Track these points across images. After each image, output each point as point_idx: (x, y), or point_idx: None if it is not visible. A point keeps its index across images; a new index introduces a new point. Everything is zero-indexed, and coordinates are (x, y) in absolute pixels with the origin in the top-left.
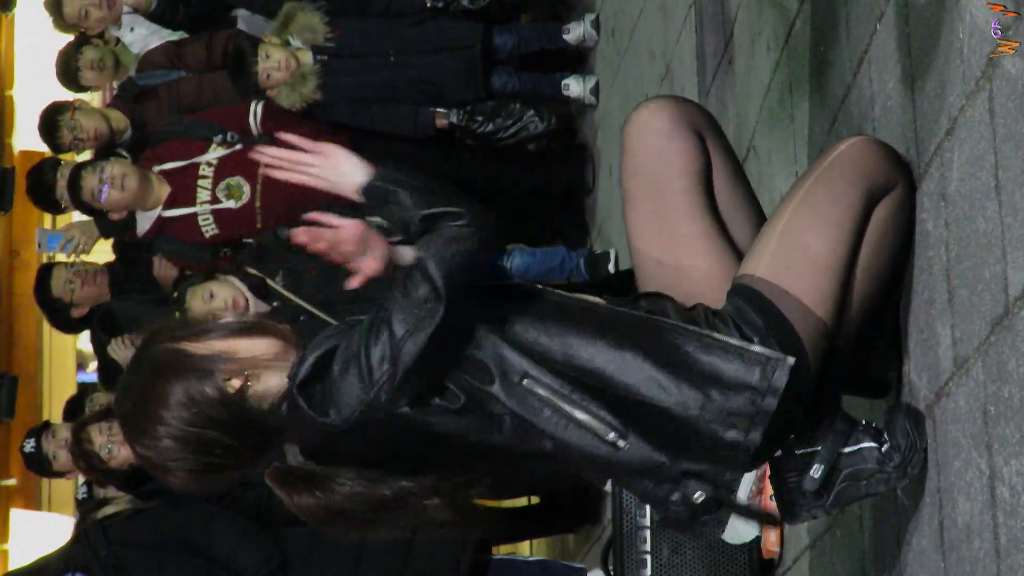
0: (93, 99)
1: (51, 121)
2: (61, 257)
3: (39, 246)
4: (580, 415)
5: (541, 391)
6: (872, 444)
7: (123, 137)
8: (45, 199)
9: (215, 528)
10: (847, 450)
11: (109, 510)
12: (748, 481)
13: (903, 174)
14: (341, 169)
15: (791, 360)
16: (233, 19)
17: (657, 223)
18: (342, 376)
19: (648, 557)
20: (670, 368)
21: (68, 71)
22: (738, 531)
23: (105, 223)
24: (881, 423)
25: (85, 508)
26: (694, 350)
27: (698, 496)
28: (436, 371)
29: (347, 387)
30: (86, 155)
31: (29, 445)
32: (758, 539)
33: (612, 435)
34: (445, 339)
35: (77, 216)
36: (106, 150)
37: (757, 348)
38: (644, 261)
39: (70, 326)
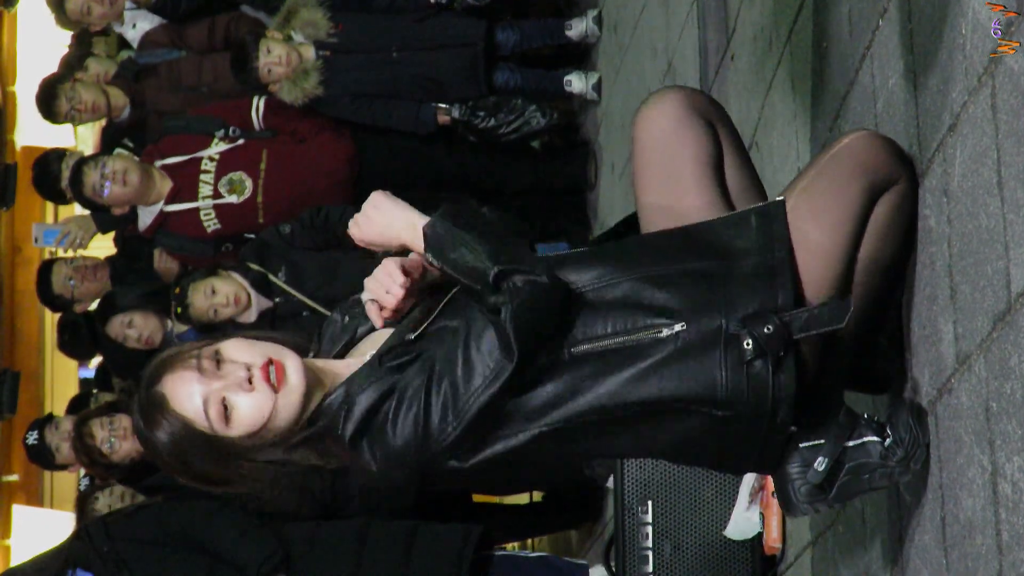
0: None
1: (50, 89)
2: (60, 252)
3: (35, 241)
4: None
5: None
6: (875, 438)
7: (121, 115)
8: (50, 190)
9: (217, 524)
10: (851, 444)
11: (104, 497)
12: (750, 476)
13: (906, 169)
14: (377, 215)
15: (780, 199)
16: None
17: (669, 209)
18: (396, 426)
19: (650, 554)
20: (688, 250)
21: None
22: (740, 527)
23: (102, 218)
24: (883, 417)
25: (83, 494)
26: (705, 230)
27: (767, 329)
28: (495, 422)
29: (400, 439)
30: (86, 132)
31: (32, 437)
32: (760, 535)
33: (665, 328)
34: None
35: (79, 209)
36: (110, 141)
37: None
38: None
39: (79, 352)
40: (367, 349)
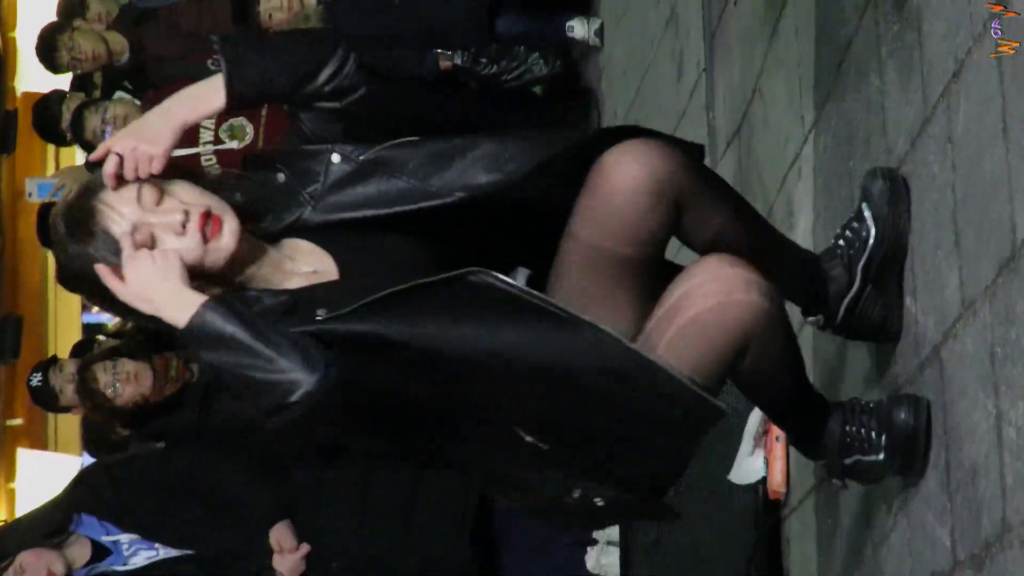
0: None
1: (50, 40)
2: None
3: (29, 195)
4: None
5: None
6: (872, 457)
7: (121, 60)
8: (51, 132)
9: (221, 470)
10: (847, 462)
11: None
12: (753, 422)
13: (764, 312)
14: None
15: (721, 407)
16: None
17: (599, 249)
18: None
19: None
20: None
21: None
22: (744, 472)
23: (97, 168)
24: (877, 415)
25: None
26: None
27: (598, 499)
28: None
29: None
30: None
31: (36, 379)
32: (764, 480)
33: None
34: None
35: (79, 153)
36: (110, 84)
37: None
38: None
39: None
40: (303, 255)
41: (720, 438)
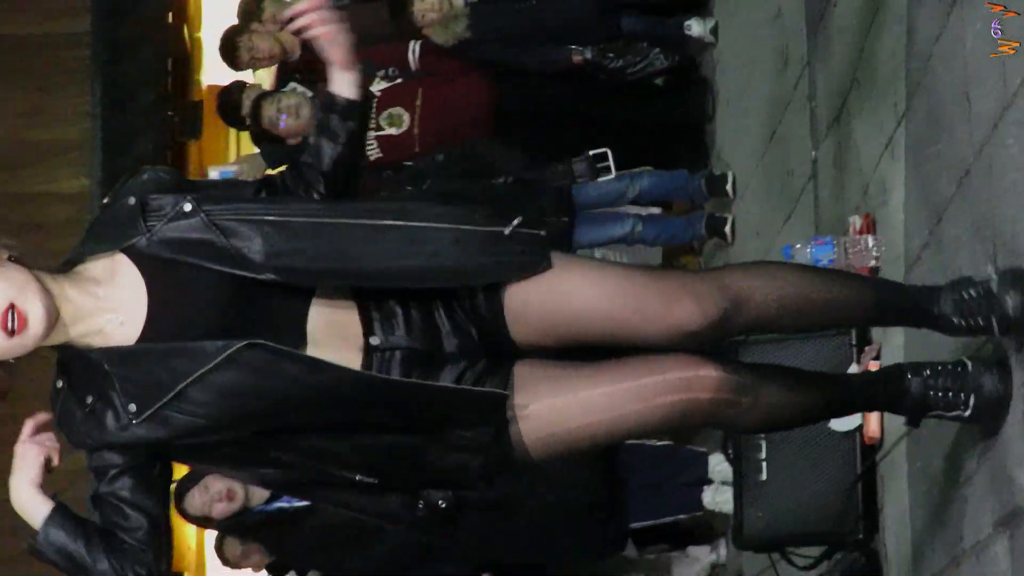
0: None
1: (231, 42)
2: None
3: None
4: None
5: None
6: (955, 412)
7: (293, 56)
8: (232, 116)
9: None
10: (930, 414)
11: None
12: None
13: (734, 406)
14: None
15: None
16: None
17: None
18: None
19: (763, 442)
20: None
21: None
22: (843, 420)
23: (271, 153)
24: (962, 378)
25: None
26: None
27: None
28: None
29: None
30: (263, 71)
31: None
32: (861, 427)
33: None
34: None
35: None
36: (284, 78)
37: None
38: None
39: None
40: (120, 289)
41: None
